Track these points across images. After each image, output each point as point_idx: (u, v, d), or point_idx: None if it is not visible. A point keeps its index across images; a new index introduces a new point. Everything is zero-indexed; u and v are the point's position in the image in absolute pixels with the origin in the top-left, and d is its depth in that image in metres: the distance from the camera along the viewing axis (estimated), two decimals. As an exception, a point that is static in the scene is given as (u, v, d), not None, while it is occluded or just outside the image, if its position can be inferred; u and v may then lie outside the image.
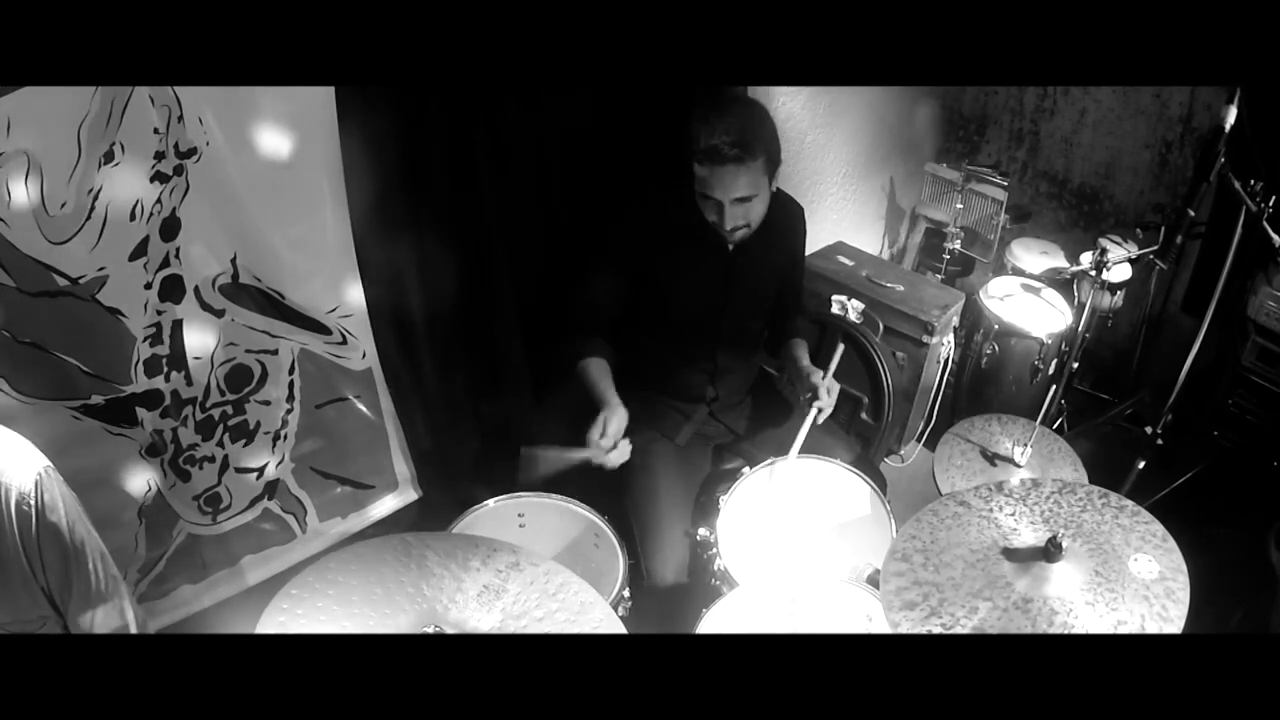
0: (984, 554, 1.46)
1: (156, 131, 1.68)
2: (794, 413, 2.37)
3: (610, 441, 2.00)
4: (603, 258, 2.18)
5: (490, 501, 2.05)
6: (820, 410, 2.13)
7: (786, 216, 2.21)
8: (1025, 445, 2.17)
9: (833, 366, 2.22)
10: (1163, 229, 3.10)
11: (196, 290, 1.88)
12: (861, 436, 3.07)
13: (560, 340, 2.22)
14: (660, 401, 2.28)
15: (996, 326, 3.08)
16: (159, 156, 1.70)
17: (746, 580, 1.86)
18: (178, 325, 1.88)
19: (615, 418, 2.03)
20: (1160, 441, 2.66)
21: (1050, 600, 1.37)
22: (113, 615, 1.45)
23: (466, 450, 2.49)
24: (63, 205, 1.61)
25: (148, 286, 1.80)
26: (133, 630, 1.48)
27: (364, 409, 2.29)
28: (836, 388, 2.18)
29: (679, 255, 2.14)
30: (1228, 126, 2.42)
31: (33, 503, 1.29)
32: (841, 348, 2.31)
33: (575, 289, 2.22)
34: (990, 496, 1.57)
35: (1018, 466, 2.18)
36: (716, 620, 1.78)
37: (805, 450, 2.12)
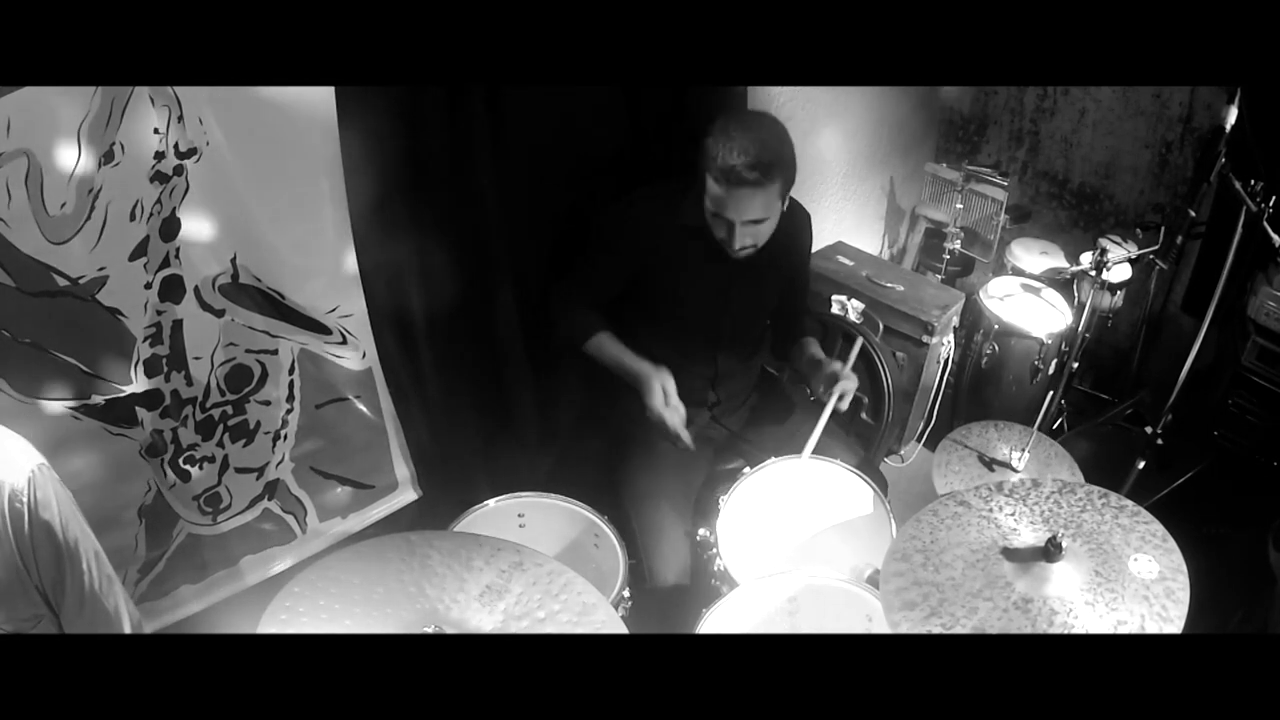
0: (984, 554, 1.46)
1: (156, 131, 1.67)
2: (795, 411, 2.38)
3: (676, 403, 2.06)
4: (599, 249, 2.18)
5: (490, 501, 2.05)
6: (842, 396, 2.13)
7: (793, 223, 2.20)
8: (1023, 450, 2.18)
9: (851, 359, 2.23)
10: (1163, 229, 3.11)
11: (196, 290, 1.88)
12: (861, 437, 3.07)
13: (557, 319, 2.24)
14: None
15: (996, 326, 3.08)
16: (159, 156, 1.70)
17: (746, 580, 1.86)
18: (178, 325, 1.88)
19: (667, 377, 2.08)
20: (1160, 441, 2.66)
21: (1050, 600, 1.37)
22: (107, 615, 1.44)
23: (466, 450, 2.49)
24: (63, 205, 1.61)
25: (148, 286, 1.80)
26: (127, 631, 1.48)
27: (364, 409, 2.29)
28: (855, 378, 2.19)
29: (683, 257, 2.13)
30: (1228, 126, 2.42)
31: (25, 500, 1.29)
32: (860, 341, 2.33)
33: (568, 273, 2.23)
34: (990, 496, 1.57)
35: (1015, 471, 2.18)
36: (716, 621, 1.78)
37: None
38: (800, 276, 2.40)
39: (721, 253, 2.12)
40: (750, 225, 1.97)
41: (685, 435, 2.08)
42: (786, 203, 2.06)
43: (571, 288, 2.23)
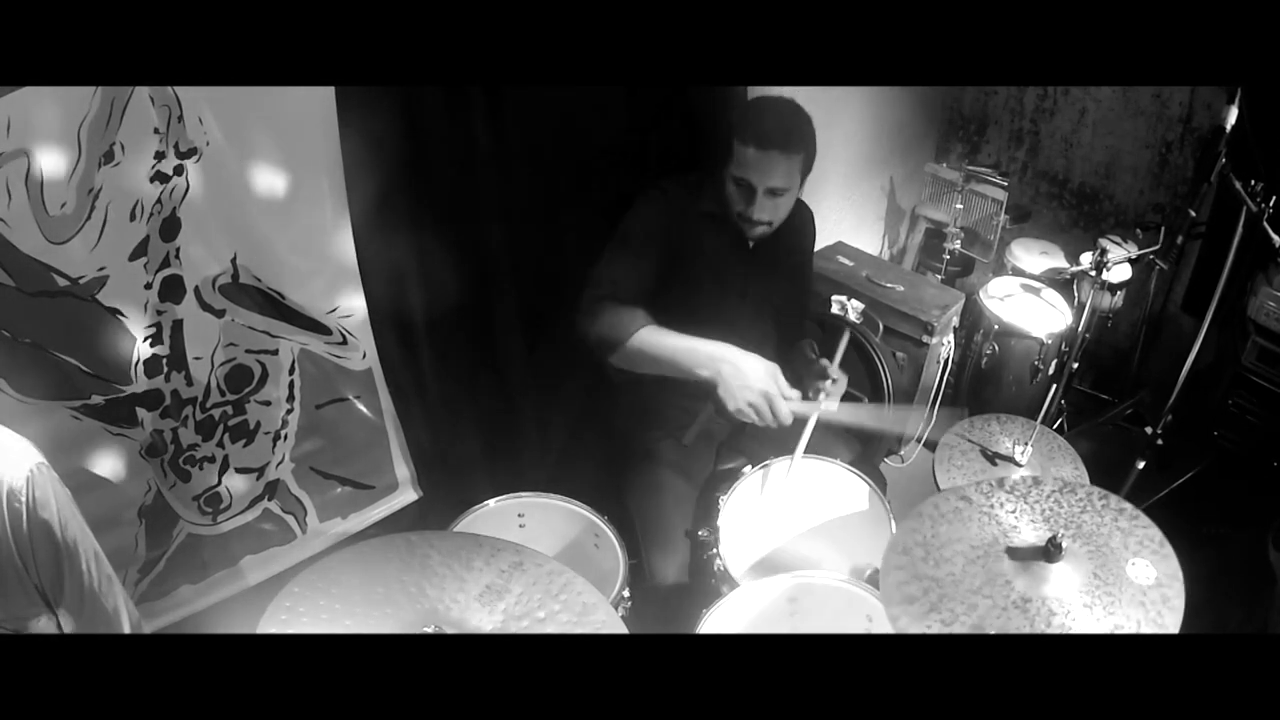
0: (984, 550, 1.46)
1: (156, 131, 1.67)
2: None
3: (789, 391, 1.84)
4: (627, 238, 2.09)
5: (490, 501, 2.05)
6: (826, 395, 2.11)
7: (799, 217, 2.23)
8: (1026, 444, 2.18)
9: (838, 356, 2.23)
10: (1163, 229, 3.11)
11: (196, 290, 1.88)
12: (861, 436, 3.07)
13: (588, 323, 1.97)
14: (667, 400, 2.27)
15: (996, 326, 3.08)
16: (159, 156, 1.70)
17: (746, 580, 1.86)
18: (178, 325, 1.88)
19: (774, 366, 1.85)
20: (1160, 441, 2.66)
21: (1048, 600, 1.37)
22: (107, 615, 1.44)
23: (466, 450, 2.49)
24: (63, 205, 1.61)
25: (148, 286, 1.80)
26: (127, 631, 1.48)
27: (364, 409, 2.29)
28: (845, 377, 2.19)
29: (703, 246, 2.14)
30: (1228, 126, 2.42)
31: (24, 499, 1.29)
32: (847, 336, 2.32)
33: (598, 267, 2.06)
34: (991, 492, 1.57)
35: (1018, 466, 2.18)
36: (717, 621, 1.78)
37: (806, 451, 2.11)
38: (805, 271, 2.44)
39: (739, 246, 2.13)
40: (770, 196, 2.01)
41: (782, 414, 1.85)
42: (801, 191, 2.08)
43: (602, 291, 2.04)
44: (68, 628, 1.40)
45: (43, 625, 1.38)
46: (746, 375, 1.81)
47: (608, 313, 1.96)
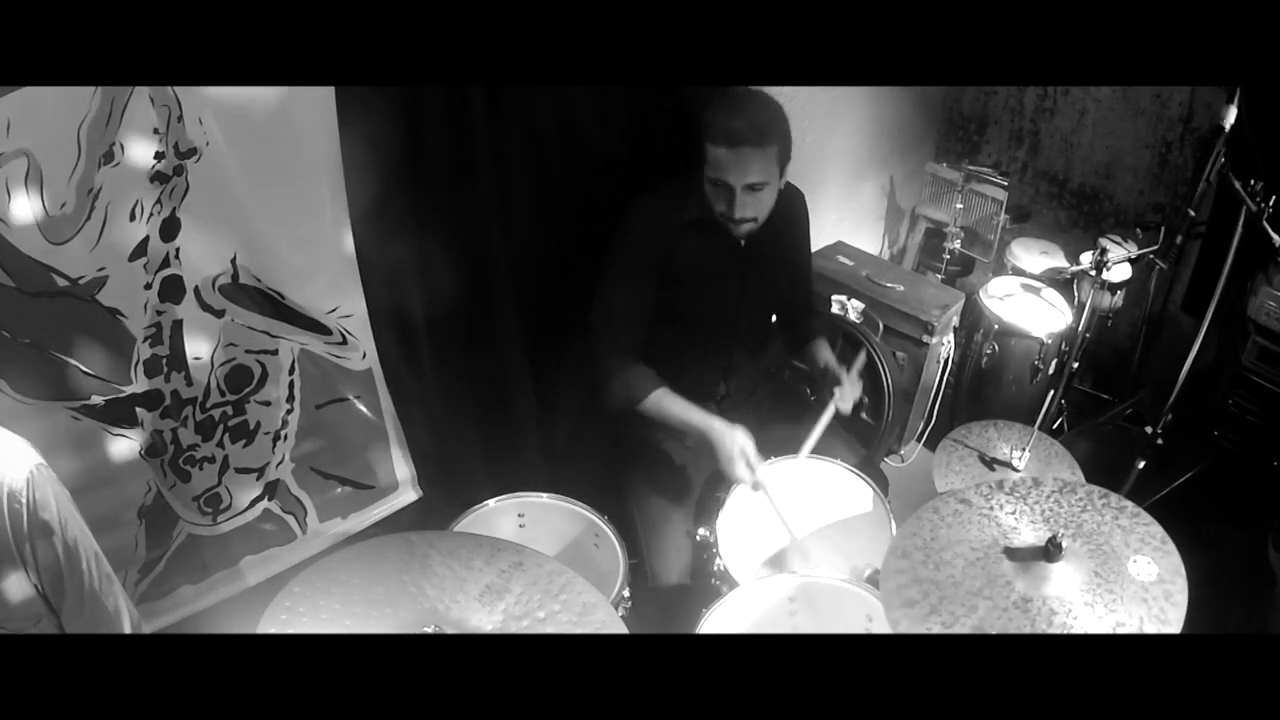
0: (984, 552, 1.46)
1: (156, 131, 1.67)
2: (805, 412, 2.38)
3: (758, 461, 1.98)
4: (619, 260, 2.14)
5: (490, 501, 2.05)
6: (839, 403, 2.15)
7: (790, 205, 2.22)
8: (1023, 450, 2.18)
9: (857, 367, 2.24)
10: (1163, 229, 3.11)
11: (196, 290, 1.88)
12: (861, 436, 3.07)
13: (607, 380, 2.12)
14: None
15: (996, 326, 3.08)
16: (159, 156, 1.70)
17: (746, 580, 1.86)
18: (178, 325, 1.88)
19: (746, 439, 1.98)
20: (1160, 441, 2.66)
21: (1049, 600, 1.37)
22: (107, 615, 1.44)
23: (466, 450, 2.49)
24: (63, 205, 1.61)
25: (148, 287, 1.80)
26: (127, 631, 1.48)
27: (364, 409, 2.29)
28: (859, 386, 2.20)
29: (695, 252, 2.13)
30: (1228, 126, 2.42)
31: (24, 500, 1.29)
32: (864, 352, 2.34)
33: (599, 296, 2.14)
34: (991, 494, 1.57)
35: (1016, 471, 2.19)
36: (717, 621, 1.78)
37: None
38: (803, 258, 2.41)
39: (733, 244, 2.12)
40: (750, 192, 1.99)
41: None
42: (784, 181, 2.07)
43: (612, 328, 2.12)
44: (68, 628, 1.40)
45: (43, 626, 1.39)
46: (719, 449, 1.99)
47: (620, 377, 2.10)
